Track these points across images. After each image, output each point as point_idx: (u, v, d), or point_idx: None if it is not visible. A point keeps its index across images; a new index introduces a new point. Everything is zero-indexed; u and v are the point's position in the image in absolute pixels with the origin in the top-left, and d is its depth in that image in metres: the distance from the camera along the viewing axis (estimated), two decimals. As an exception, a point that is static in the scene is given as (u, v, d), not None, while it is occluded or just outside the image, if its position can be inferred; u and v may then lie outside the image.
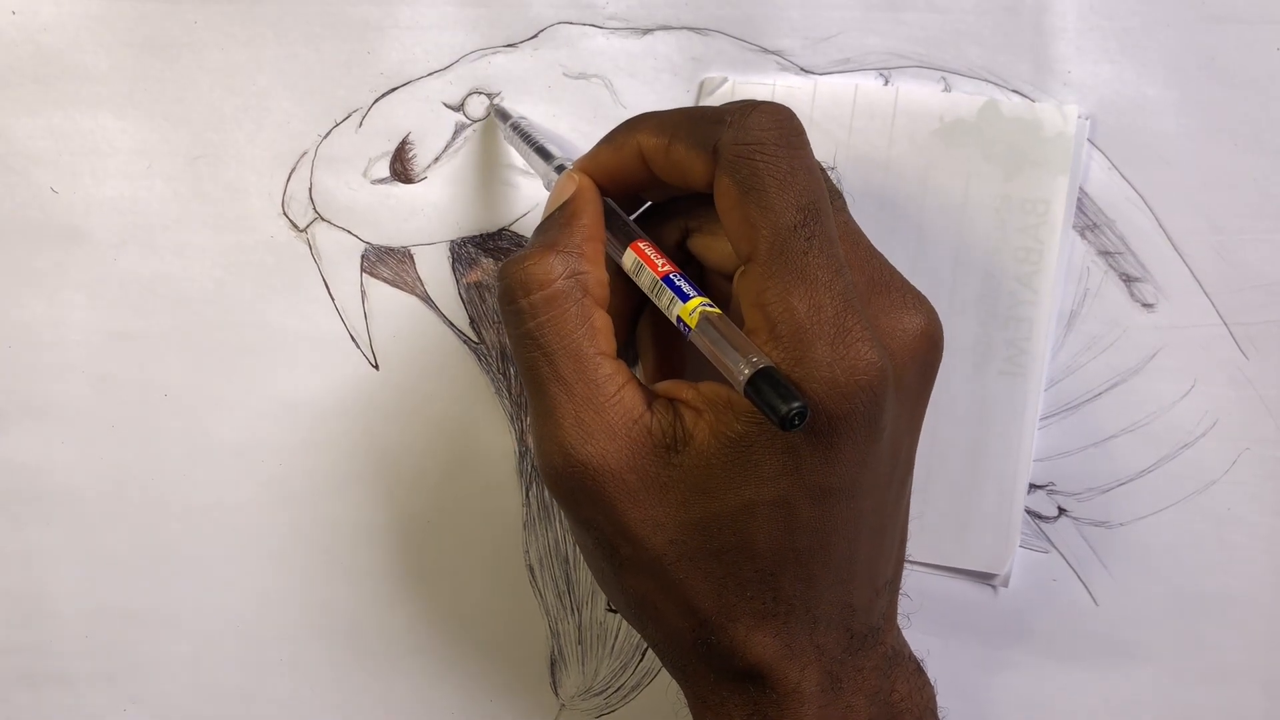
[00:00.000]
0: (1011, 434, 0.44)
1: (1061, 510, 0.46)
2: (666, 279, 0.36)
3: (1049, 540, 0.45)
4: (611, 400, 0.35)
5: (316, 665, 0.47)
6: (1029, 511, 0.45)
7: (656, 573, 0.35)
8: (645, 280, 0.36)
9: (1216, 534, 0.45)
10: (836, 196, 0.36)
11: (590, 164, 0.39)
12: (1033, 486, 0.45)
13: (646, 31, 0.44)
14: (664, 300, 0.36)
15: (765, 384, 0.32)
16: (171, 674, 0.47)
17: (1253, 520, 0.45)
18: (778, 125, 0.35)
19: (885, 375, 0.33)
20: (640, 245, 0.37)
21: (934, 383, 0.37)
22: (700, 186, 0.36)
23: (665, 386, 0.36)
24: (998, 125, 0.43)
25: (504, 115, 0.44)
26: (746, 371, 0.32)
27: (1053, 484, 0.45)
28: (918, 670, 0.38)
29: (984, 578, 0.46)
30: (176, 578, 0.47)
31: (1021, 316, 0.43)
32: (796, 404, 0.31)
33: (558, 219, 0.37)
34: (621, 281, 0.38)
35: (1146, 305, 0.45)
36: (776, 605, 0.35)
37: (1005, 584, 0.45)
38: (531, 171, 0.44)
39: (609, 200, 0.39)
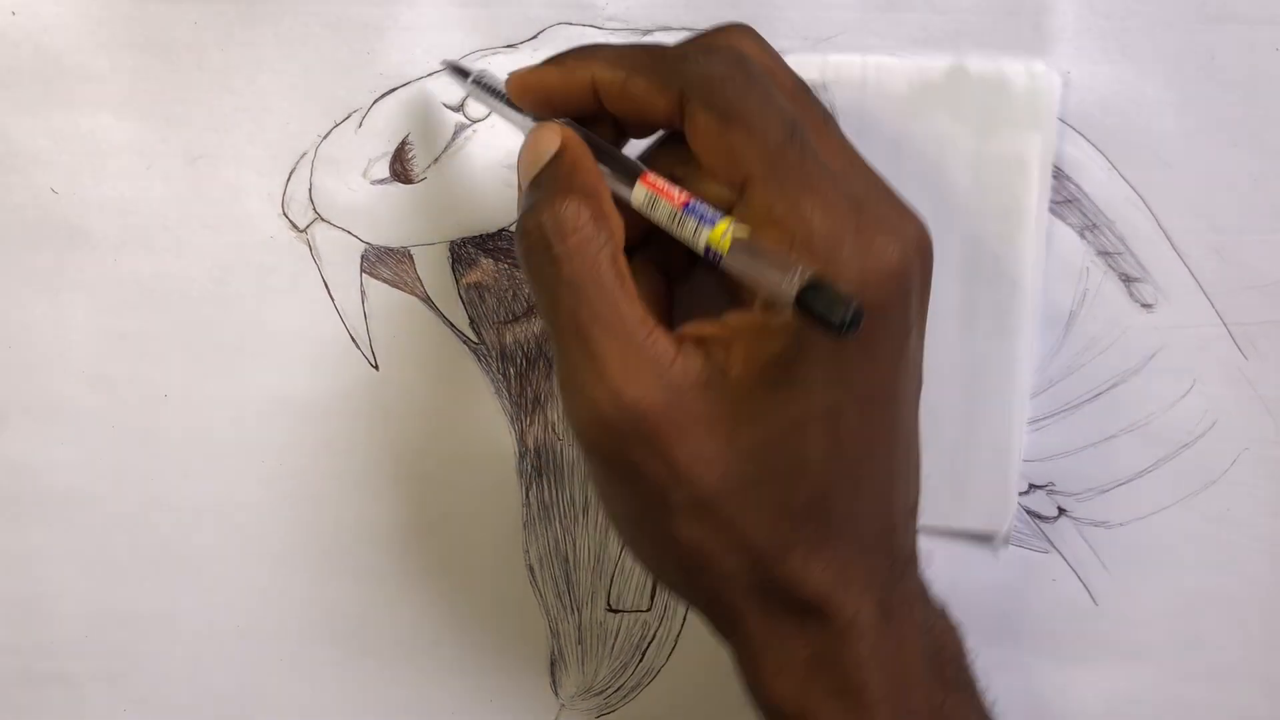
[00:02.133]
0: (1004, 392, 0.44)
1: (1061, 510, 0.46)
2: (688, 207, 0.34)
3: (1048, 541, 0.46)
4: (645, 344, 0.34)
5: (316, 665, 0.47)
6: (1029, 512, 0.45)
7: (711, 511, 0.35)
8: (662, 213, 0.35)
9: (1216, 534, 0.45)
10: (829, 118, 0.36)
11: (536, 82, 0.37)
12: (1032, 487, 0.45)
13: (646, 32, 0.44)
14: (688, 229, 0.34)
15: (815, 294, 0.30)
16: (171, 674, 0.47)
17: (1252, 520, 0.45)
18: (746, 57, 0.35)
19: (909, 261, 0.33)
20: (650, 178, 0.35)
21: (930, 295, 0.37)
22: (658, 122, 0.36)
23: (687, 329, 0.36)
24: (966, 87, 0.43)
25: (462, 72, 0.41)
26: (796, 284, 0.31)
27: (1052, 484, 0.46)
28: (944, 610, 0.39)
29: (983, 539, 0.45)
30: (176, 578, 0.47)
31: (1005, 276, 0.43)
32: (853, 305, 0.30)
33: (560, 168, 0.36)
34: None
35: (1146, 306, 0.45)
36: (829, 528, 0.35)
37: (1005, 543, 0.45)
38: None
39: (596, 139, 0.37)
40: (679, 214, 0.34)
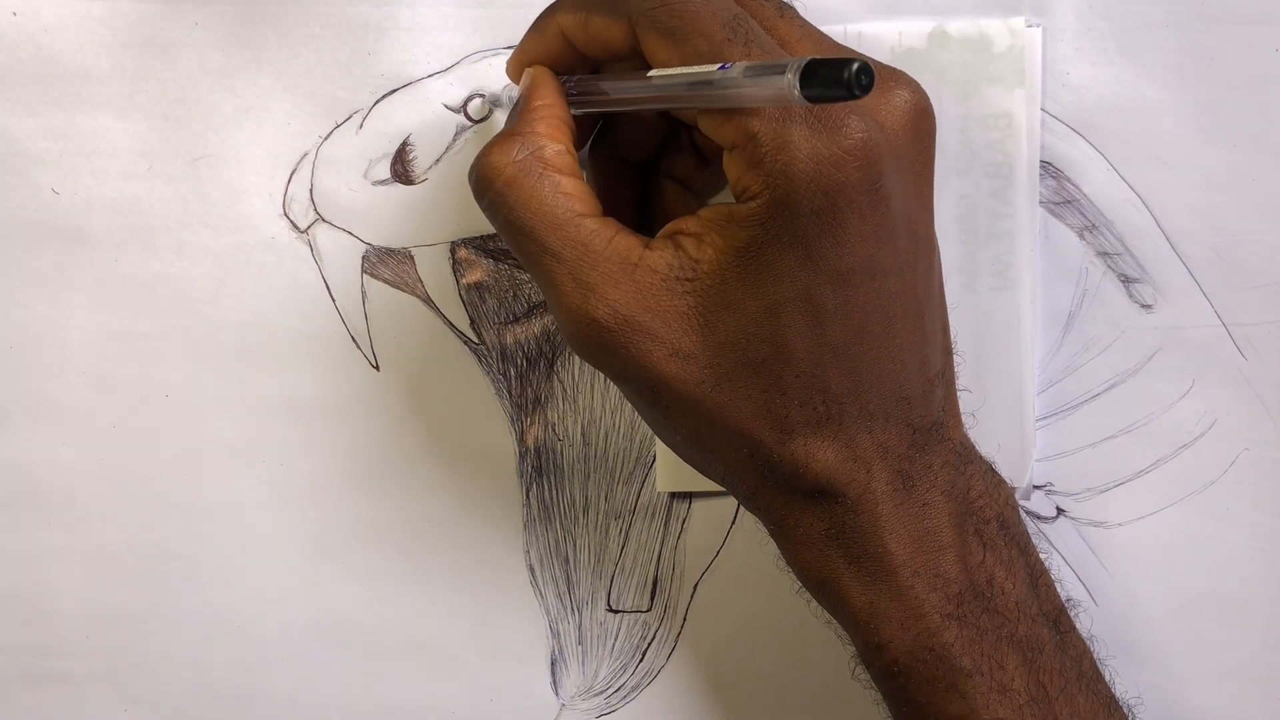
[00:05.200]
0: (1011, 345, 0.44)
1: (1060, 511, 0.46)
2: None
3: (1048, 541, 0.46)
4: (605, 254, 0.35)
5: (316, 665, 0.47)
6: (1027, 513, 0.45)
7: (700, 405, 0.36)
8: (678, 80, 0.35)
9: (1216, 534, 0.45)
10: (787, 8, 0.37)
11: (522, 55, 0.40)
12: (1031, 487, 0.45)
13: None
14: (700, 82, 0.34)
15: (815, 77, 0.30)
16: (171, 674, 0.47)
17: (1252, 520, 0.45)
18: None
19: (872, 139, 0.34)
20: (649, 72, 0.36)
21: (934, 153, 0.37)
22: (622, 52, 0.37)
23: (663, 229, 0.37)
24: (948, 48, 0.43)
25: (495, 102, 0.44)
26: (795, 79, 0.30)
27: (1051, 484, 0.46)
28: (990, 470, 0.38)
29: None
30: (176, 578, 0.47)
31: (1002, 231, 0.44)
32: (853, 66, 0.29)
33: (511, 113, 0.38)
34: (603, 153, 0.40)
35: (1145, 306, 0.45)
36: (828, 408, 0.35)
37: (1027, 498, 0.45)
38: None
39: (575, 77, 0.39)
40: (687, 73, 0.34)
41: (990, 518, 0.37)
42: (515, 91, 0.41)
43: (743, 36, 0.34)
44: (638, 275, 0.35)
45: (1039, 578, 0.38)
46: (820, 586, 0.37)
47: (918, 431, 0.36)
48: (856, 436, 0.36)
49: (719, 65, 0.33)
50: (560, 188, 0.36)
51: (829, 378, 0.35)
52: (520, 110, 0.38)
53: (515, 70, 0.40)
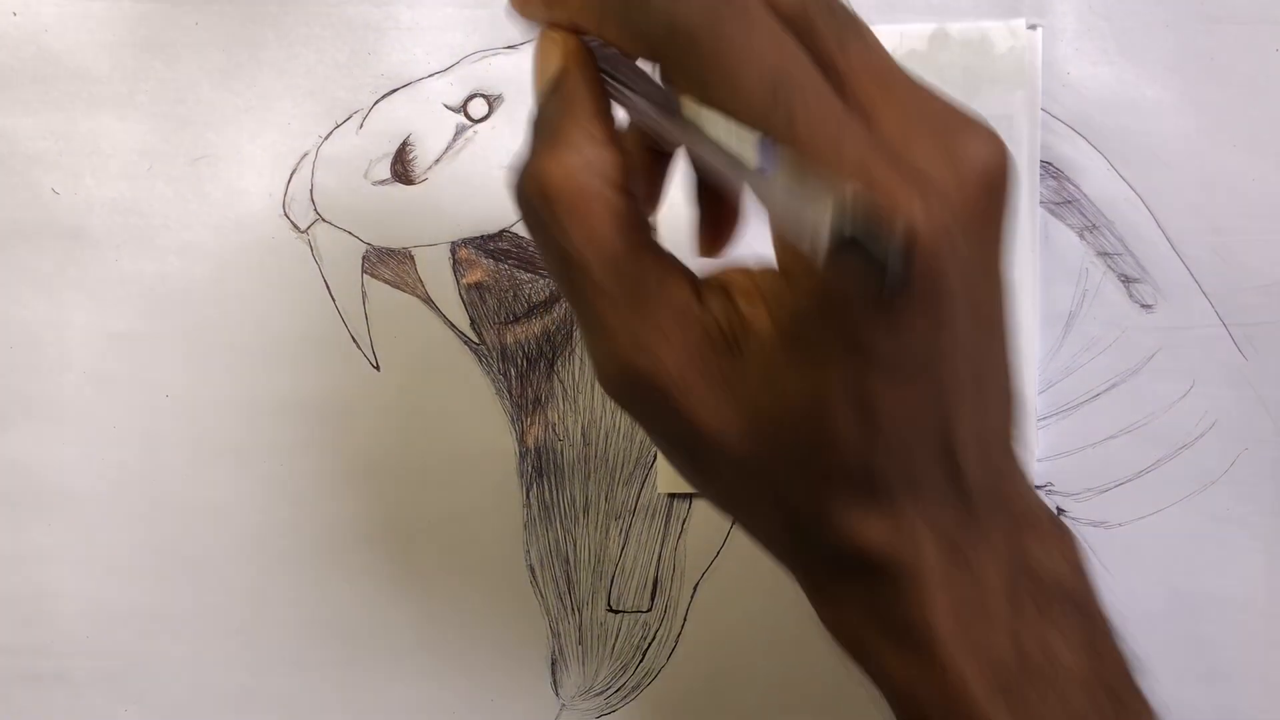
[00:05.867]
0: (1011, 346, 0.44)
1: (1060, 511, 0.46)
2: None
3: (1048, 541, 0.46)
4: (656, 298, 0.32)
5: (316, 665, 0.47)
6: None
7: (736, 469, 0.32)
8: (709, 139, 0.29)
9: (1216, 534, 0.45)
10: (851, 38, 0.31)
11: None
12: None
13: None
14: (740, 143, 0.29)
15: (848, 247, 0.25)
16: (171, 674, 0.47)
17: (1252, 520, 0.45)
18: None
19: (933, 221, 0.28)
20: (682, 109, 0.30)
21: (1009, 220, 0.32)
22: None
23: (719, 274, 0.32)
24: (949, 50, 0.43)
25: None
26: (836, 212, 0.25)
27: (1051, 484, 0.46)
28: (1050, 521, 0.34)
29: None
30: (176, 578, 0.47)
31: None
32: (894, 262, 0.25)
33: (555, 104, 0.32)
34: (641, 134, 0.34)
35: (1145, 306, 0.45)
36: (873, 483, 0.31)
37: None
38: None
39: (609, 55, 0.33)
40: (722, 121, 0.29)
41: (1047, 582, 0.34)
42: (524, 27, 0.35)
43: (785, 107, 0.29)
44: (689, 331, 0.32)
45: (1099, 641, 0.35)
46: (855, 653, 0.34)
47: (972, 501, 0.33)
48: (904, 510, 0.32)
49: (758, 145, 0.28)
50: (617, 210, 0.31)
51: (876, 458, 0.31)
52: (563, 109, 0.32)
53: (535, 8, 0.33)
